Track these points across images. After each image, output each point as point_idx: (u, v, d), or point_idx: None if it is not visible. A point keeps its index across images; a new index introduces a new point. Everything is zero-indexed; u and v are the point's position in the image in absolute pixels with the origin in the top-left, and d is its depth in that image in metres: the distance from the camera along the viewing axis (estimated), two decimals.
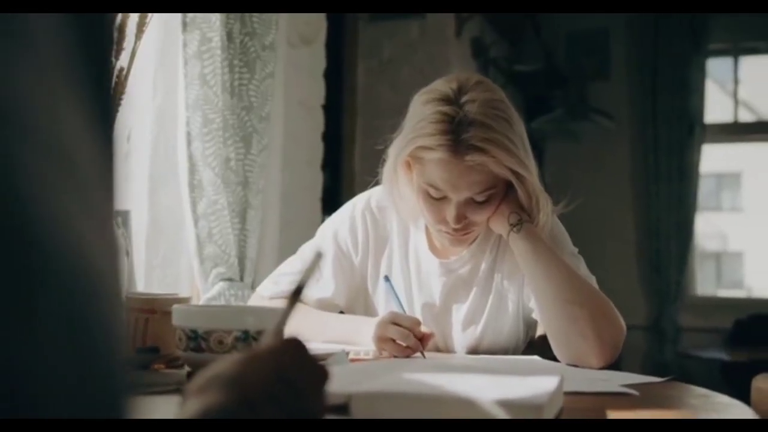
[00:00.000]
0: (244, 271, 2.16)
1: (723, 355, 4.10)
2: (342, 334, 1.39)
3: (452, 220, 1.32)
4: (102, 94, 0.30)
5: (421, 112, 1.31)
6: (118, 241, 0.37)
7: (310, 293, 1.50)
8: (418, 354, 1.29)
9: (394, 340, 1.28)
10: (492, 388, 0.72)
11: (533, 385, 0.73)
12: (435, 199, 1.33)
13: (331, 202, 2.66)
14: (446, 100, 1.29)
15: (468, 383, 0.74)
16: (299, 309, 1.45)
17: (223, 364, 0.55)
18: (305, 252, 1.54)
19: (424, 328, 1.30)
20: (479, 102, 1.28)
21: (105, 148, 0.30)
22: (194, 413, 0.50)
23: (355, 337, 1.36)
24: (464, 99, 1.28)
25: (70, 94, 0.28)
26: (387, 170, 1.40)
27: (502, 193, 1.36)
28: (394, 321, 1.29)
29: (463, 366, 1.14)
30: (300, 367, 0.59)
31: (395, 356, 1.29)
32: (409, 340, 1.27)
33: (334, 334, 1.40)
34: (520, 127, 1.33)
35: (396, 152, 1.35)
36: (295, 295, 0.67)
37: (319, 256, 0.70)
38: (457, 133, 1.26)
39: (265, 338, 0.63)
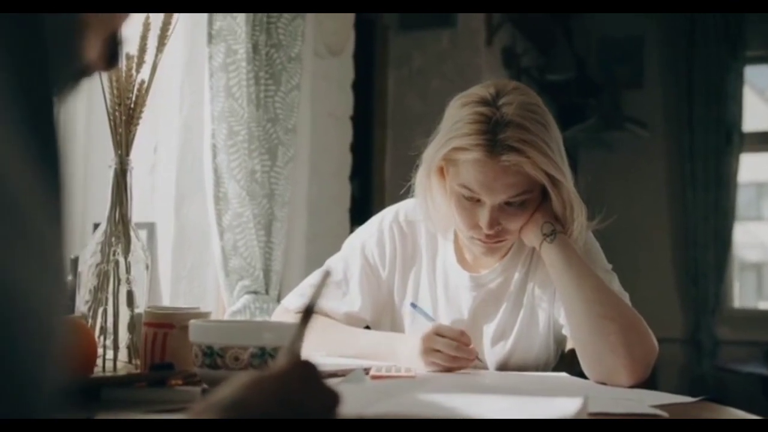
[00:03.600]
0: (270, 284, 2.15)
1: (763, 370, 3.99)
2: (374, 349, 1.37)
3: (485, 225, 1.30)
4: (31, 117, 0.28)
5: (458, 114, 1.30)
6: (62, 268, 0.36)
7: (337, 307, 1.47)
8: (475, 363, 1.31)
9: (441, 351, 1.28)
10: (510, 411, 0.69)
11: (554, 407, 0.70)
12: (468, 203, 1.31)
13: (361, 214, 2.64)
14: (484, 102, 1.29)
15: (484, 406, 0.71)
16: (329, 324, 1.43)
17: (227, 388, 0.55)
18: (331, 265, 1.52)
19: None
20: (516, 104, 1.27)
21: (46, 181, 0.28)
22: None
23: (387, 354, 1.34)
24: (501, 101, 1.28)
25: None
26: (420, 175, 1.38)
27: (537, 202, 1.33)
28: (439, 333, 1.29)
29: (485, 386, 1.11)
30: (307, 390, 0.59)
31: (446, 368, 1.28)
32: (459, 350, 1.27)
33: (366, 349, 1.38)
34: (556, 132, 1.32)
35: (431, 155, 1.34)
36: (307, 314, 0.65)
37: (327, 275, 0.68)
38: (494, 133, 1.25)
39: (280, 359, 0.63)
